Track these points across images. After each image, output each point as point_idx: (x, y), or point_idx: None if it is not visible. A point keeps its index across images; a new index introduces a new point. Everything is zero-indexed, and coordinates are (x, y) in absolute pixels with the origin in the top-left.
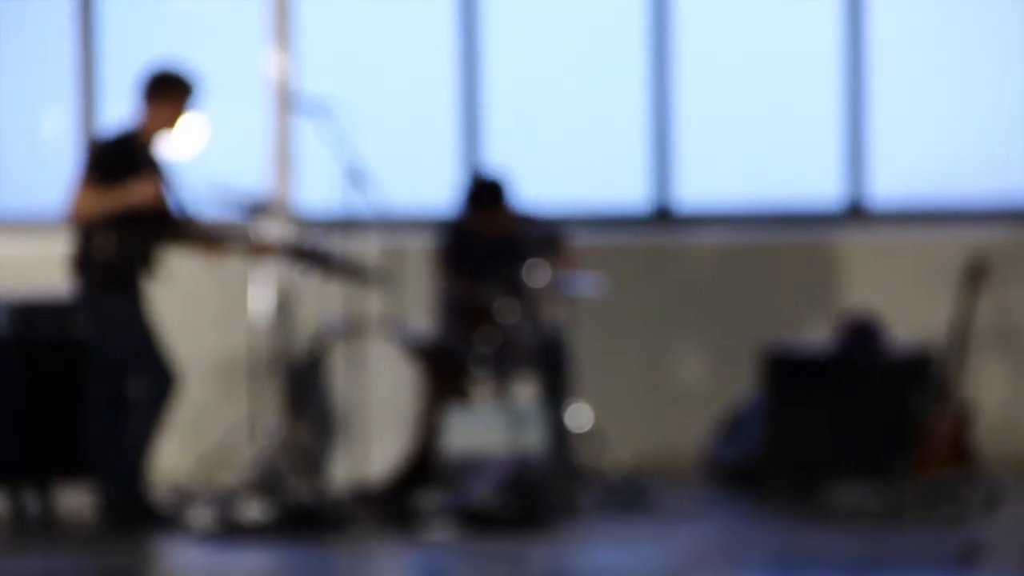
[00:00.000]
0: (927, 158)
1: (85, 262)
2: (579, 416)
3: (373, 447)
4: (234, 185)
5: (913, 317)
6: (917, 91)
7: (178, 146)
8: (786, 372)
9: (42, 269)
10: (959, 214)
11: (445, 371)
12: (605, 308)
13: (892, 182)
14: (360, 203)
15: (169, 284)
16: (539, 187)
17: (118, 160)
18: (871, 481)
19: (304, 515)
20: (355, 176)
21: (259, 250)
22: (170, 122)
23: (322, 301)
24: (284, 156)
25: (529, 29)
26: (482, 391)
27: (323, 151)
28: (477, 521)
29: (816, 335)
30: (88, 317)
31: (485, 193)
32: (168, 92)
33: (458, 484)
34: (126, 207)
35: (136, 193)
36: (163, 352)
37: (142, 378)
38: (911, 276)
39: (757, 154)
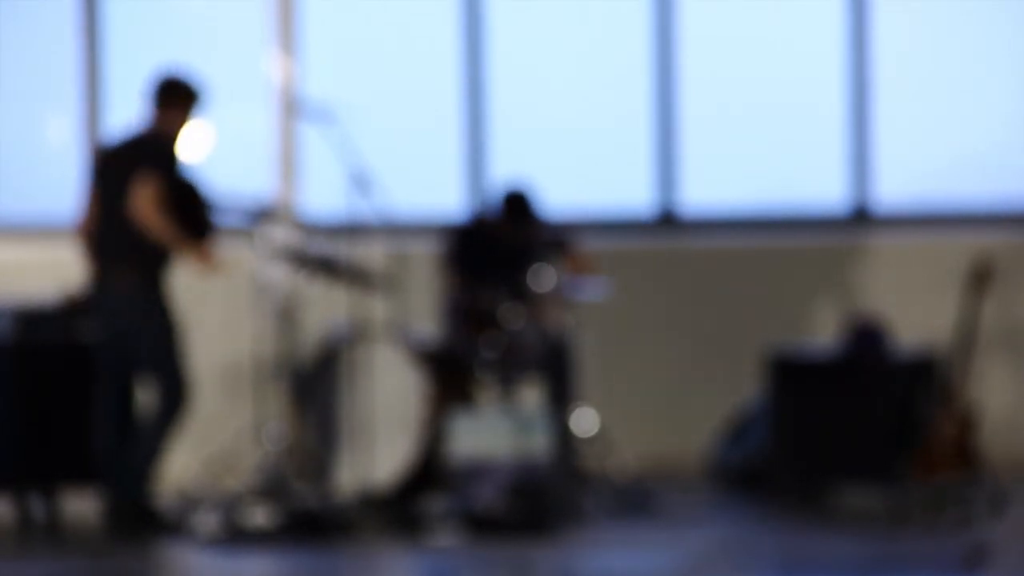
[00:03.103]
0: (932, 162)
1: (142, 258)
2: (584, 420)
3: (378, 452)
4: (238, 190)
5: (918, 320)
6: (922, 94)
7: (181, 150)
8: (791, 375)
9: (46, 274)
10: (964, 217)
11: (450, 376)
12: (610, 312)
13: (897, 186)
14: (365, 208)
15: (174, 289)
16: (544, 191)
17: (170, 160)
18: (876, 484)
19: (310, 520)
20: (360, 181)
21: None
22: (177, 128)
23: (327, 306)
24: (288, 161)
25: (533, 34)
26: (487, 395)
27: (327, 156)
28: (482, 526)
29: (821, 338)
30: (135, 311)
31: (518, 206)
32: (175, 98)
33: (463, 489)
34: (171, 248)
35: (192, 253)
36: (185, 361)
37: (159, 383)
38: (916, 279)
39: (762, 158)
